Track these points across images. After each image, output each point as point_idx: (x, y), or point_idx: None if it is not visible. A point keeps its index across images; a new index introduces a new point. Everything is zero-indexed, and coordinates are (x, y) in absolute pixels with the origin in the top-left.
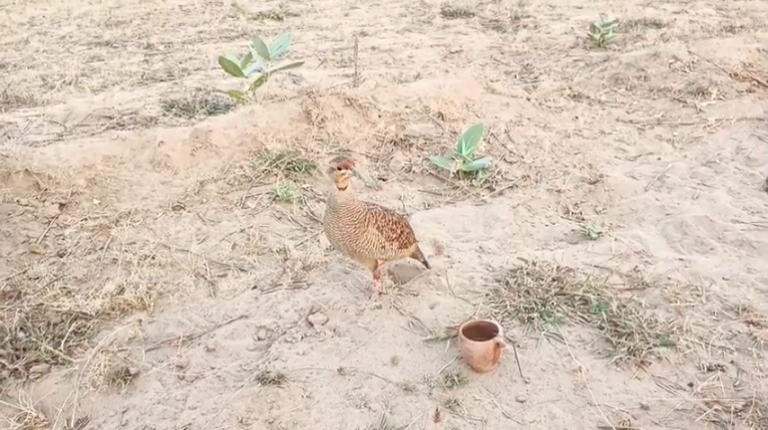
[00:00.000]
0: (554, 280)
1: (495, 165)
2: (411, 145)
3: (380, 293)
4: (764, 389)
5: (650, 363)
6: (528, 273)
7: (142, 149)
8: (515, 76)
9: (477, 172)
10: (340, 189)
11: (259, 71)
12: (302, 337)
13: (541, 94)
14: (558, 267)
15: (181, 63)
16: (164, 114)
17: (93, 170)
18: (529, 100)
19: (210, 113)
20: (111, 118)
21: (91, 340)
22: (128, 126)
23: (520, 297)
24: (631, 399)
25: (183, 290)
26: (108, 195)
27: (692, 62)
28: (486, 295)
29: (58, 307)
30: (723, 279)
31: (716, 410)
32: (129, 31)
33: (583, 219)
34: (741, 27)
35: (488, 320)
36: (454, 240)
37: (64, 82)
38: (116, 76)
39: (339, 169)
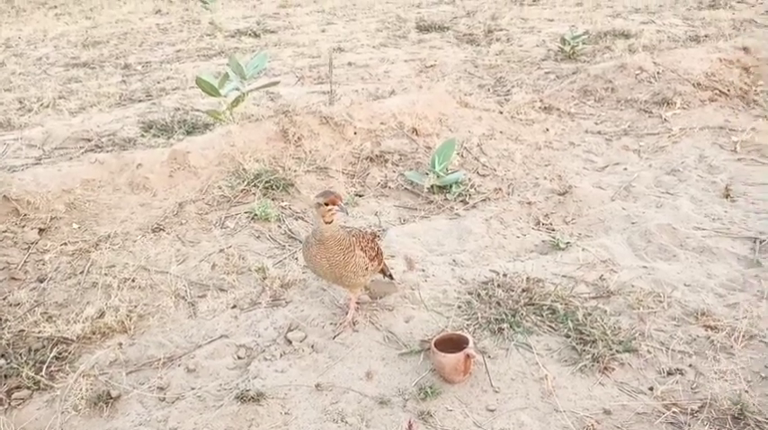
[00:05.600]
0: (524, 290)
1: (469, 179)
2: (386, 161)
3: (351, 325)
4: (718, 390)
5: (613, 369)
6: (499, 285)
7: (120, 172)
8: (489, 90)
9: (450, 186)
10: (327, 223)
11: (237, 90)
12: (281, 355)
13: (513, 107)
14: (527, 278)
15: (159, 83)
16: (142, 135)
17: (72, 194)
18: (501, 113)
19: (189, 133)
20: (89, 140)
21: (72, 365)
22: (106, 148)
23: (491, 308)
24: (595, 405)
25: (163, 311)
26: (87, 219)
27: (658, 73)
28: (459, 307)
29: (39, 332)
30: (684, 285)
31: (674, 412)
32: (107, 52)
33: (553, 230)
34: (706, 36)
35: (459, 332)
36: (429, 254)
37: (41, 104)
38: (94, 97)
39: (326, 205)
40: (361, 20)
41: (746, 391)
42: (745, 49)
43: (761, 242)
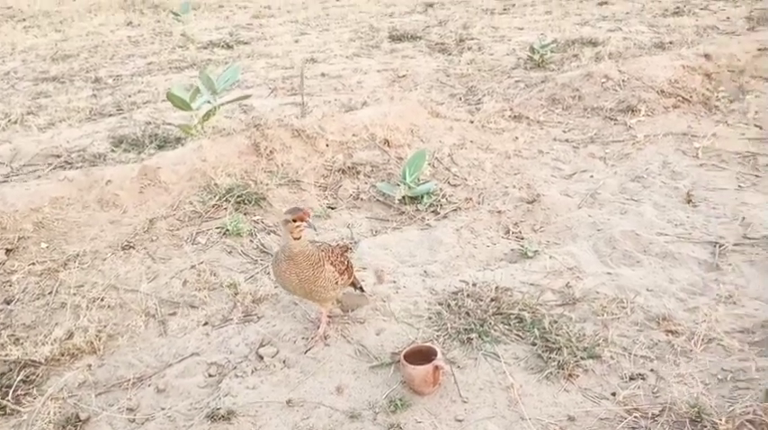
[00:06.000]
0: (492, 300)
1: (440, 189)
2: (358, 172)
3: (322, 339)
4: (677, 394)
5: (578, 376)
6: (468, 295)
7: (90, 189)
8: (460, 99)
9: (422, 196)
10: (295, 239)
11: (209, 103)
12: (252, 371)
13: (484, 116)
14: (496, 287)
15: (130, 96)
16: (112, 150)
17: (41, 213)
18: (472, 122)
19: (161, 147)
20: (58, 156)
21: (40, 388)
22: (76, 164)
23: (460, 318)
24: (560, 412)
25: (133, 331)
26: (56, 238)
27: (623, 81)
28: (429, 318)
29: (6, 356)
30: (647, 290)
31: (635, 417)
32: (77, 65)
33: (522, 238)
34: (670, 43)
35: (428, 344)
36: (400, 265)
37: (9, 121)
38: (63, 112)
39: (294, 221)
40: (335, 30)
41: (704, 394)
42: (707, 56)
43: (720, 246)
